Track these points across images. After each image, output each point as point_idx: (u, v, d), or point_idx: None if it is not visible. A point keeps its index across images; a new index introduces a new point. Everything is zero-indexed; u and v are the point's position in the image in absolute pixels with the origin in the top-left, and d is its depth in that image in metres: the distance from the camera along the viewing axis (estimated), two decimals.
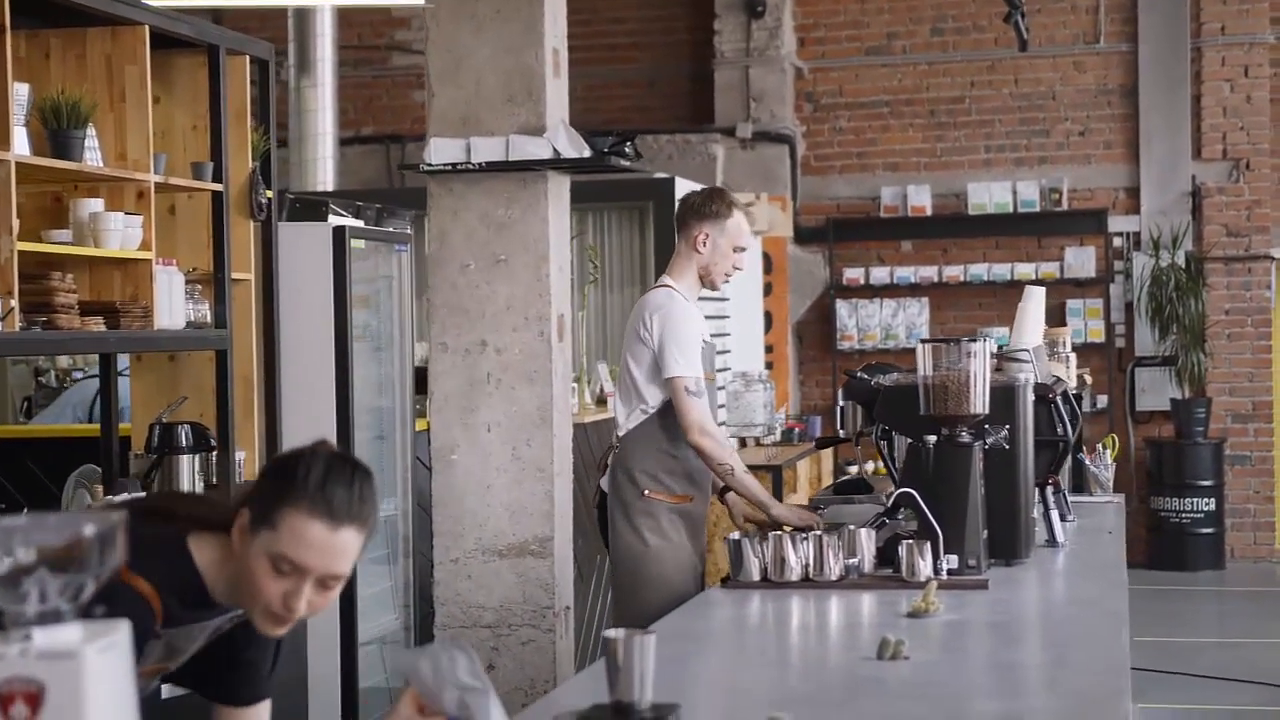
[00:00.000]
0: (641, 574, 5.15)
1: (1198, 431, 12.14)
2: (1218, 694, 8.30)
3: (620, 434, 5.28)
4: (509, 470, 5.73)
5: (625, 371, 5.26)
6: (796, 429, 10.74)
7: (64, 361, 8.61)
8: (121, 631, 1.76)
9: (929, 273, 12.67)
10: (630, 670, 2.70)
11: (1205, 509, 12.08)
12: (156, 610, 2.63)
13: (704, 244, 5.23)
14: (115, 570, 2.45)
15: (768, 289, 12.28)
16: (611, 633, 2.71)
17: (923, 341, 4.42)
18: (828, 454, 10.81)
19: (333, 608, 6.25)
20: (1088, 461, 6.37)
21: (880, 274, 12.74)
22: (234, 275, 5.70)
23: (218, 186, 5.56)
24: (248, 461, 5.83)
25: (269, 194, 5.92)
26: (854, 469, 10.13)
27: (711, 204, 5.26)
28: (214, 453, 5.55)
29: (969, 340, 4.37)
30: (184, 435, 5.39)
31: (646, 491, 5.17)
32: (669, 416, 5.16)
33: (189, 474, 5.36)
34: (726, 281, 5.38)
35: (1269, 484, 12.50)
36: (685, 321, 5.13)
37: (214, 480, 5.57)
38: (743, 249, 5.29)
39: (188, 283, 5.48)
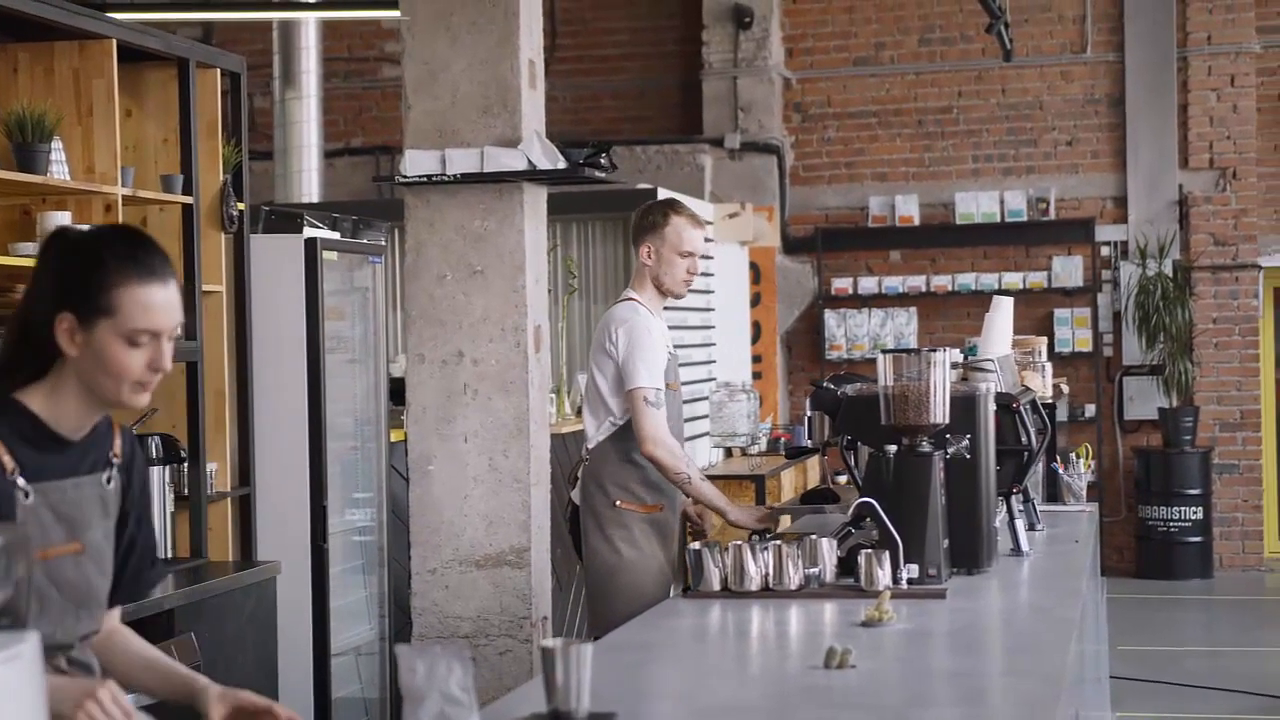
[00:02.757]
0: (615, 584, 5.19)
1: (1185, 440, 12.14)
2: (1201, 702, 8.30)
3: (590, 446, 5.34)
4: (486, 481, 5.73)
5: (591, 384, 5.35)
6: (783, 439, 10.75)
7: None
8: (29, 643, 1.78)
9: (917, 282, 12.68)
10: (567, 680, 2.73)
11: (1193, 518, 12.09)
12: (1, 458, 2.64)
13: (650, 256, 5.34)
14: None
15: (756, 299, 12.30)
16: (548, 642, 2.74)
17: (884, 352, 4.44)
18: (814, 463, 10.82)
19: (305, 617, 6.26)
20: (1061, 471, 6.37)
21: (868, 284, 12.75)
22: (205, 287, 5.72)
23: (188, 199, 5.58)
24: (219, 473, 5.85)
25: (240, 206, 5.94)
26: (843, 479, 10.13)
27: (648, 216, 5.38)
28: (184, 464, 5.57)
29: (929, 350, 4.38)
30: (154, 447, 5.40)
31: (618, 502, 5.24)
32: None
33: (159, 485, 5.37)
34: (688, 287, 5.41)
35: (1257, 493, 12.50)
36: (649, 334, 5.21)
37: (185, 492, 5.59)
38: (689, 253, 5.33)
39: None
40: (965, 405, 4.51)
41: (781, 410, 12.60)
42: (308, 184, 10.81)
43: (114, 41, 5.20)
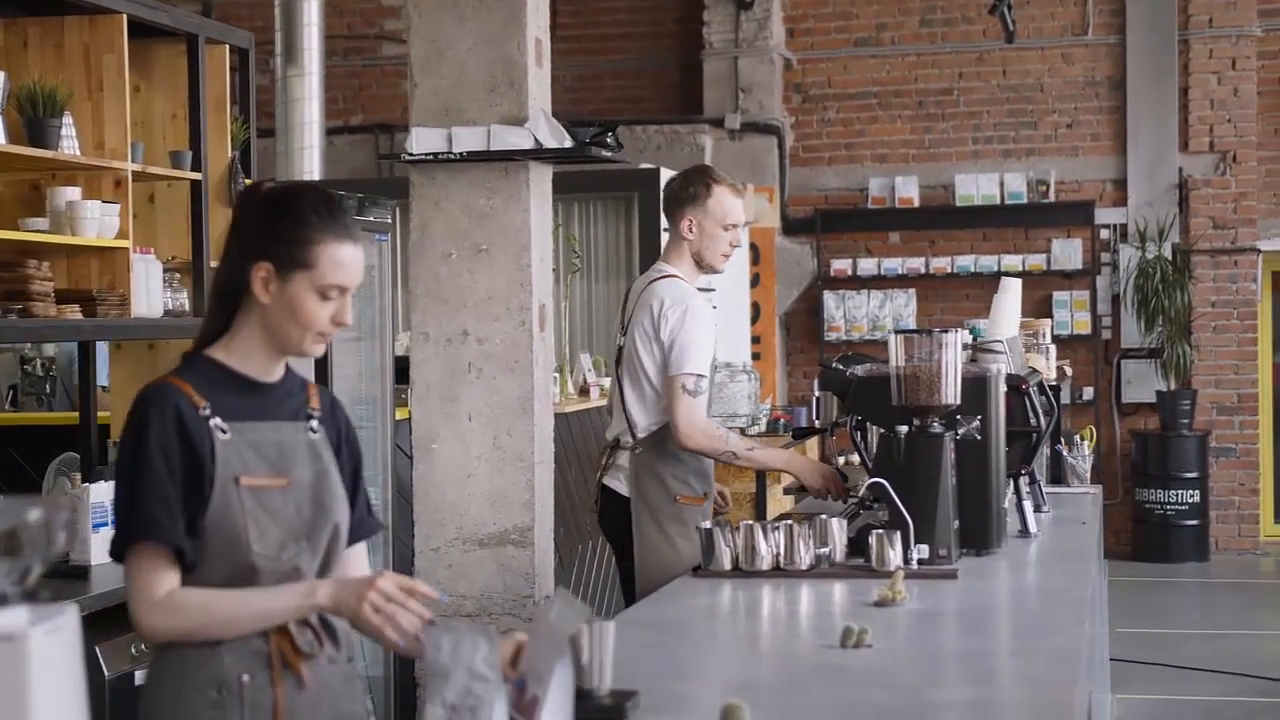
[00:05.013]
0: (673, 578, 5.05)
1: (1183, 423, 12.17)
2: (1198, 685, 8.33)
3: (639, 435, 5.15)
4: (490, 459, 5.73)
5: (637, 370, 5.13)
6: (783, 419, 10.76)
7: (50, 349, 8.61)
8: (70, 615, 1.79)
9: (916, 264, 12.69)
10: (590, 657, 2.73)
11: (1190, 501, 12.12)
12: (189, 393, 2.80)
13: (691, 229, 5.13)
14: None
15: (755, 280, 12.31)
16: None
17: (895, 332, 4.44)
18: (815, 444, 10.84)
19: None
20: (1065, 453, 6.38)
21: (868, 265, 12.76)
22: (213, 263, 5.71)
23: (196, 175, 5.57)
24: None
25: (249, 182, 5.93)
26: (842, 460, 10.14)
27: (689, 187, 5.15)
28: None
29: (941, 331, 4.38)
30: None
31: (678, 497, 5.08)
32: None
33: None
34: (727, 261, 5.24)
35: (1253, 476, 12.54)
36: (699, 316, 5.03)
37: None
38: (733, 225, 5.15)
39: (167, 271, 5.49)
40: (976, 386, 4.51)
41: (780, 391, 12.61)
42: (309, 161, 10.73)
43: (124, 16, 5.18)
